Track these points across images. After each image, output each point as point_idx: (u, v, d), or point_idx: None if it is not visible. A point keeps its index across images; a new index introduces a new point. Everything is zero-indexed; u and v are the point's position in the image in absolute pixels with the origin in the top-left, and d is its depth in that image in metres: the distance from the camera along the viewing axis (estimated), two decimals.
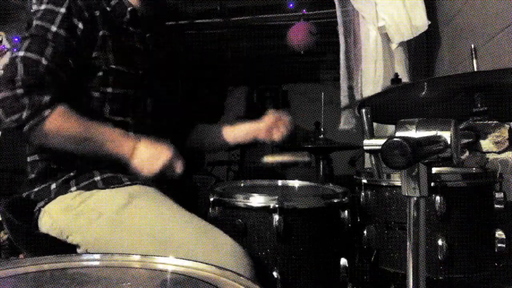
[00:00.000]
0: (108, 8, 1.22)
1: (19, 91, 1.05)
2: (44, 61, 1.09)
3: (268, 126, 1.45)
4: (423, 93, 1.07)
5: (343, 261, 1.16)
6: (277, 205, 1.11)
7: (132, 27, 1.27)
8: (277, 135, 1.45)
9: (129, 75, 1.23)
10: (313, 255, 1.15)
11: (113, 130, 1.15)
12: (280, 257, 1.13)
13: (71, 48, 1.14)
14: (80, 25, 1.15)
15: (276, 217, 1.11)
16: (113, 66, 1.19)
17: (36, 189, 1.20)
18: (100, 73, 1.18)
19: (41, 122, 1.06)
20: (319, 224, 1.18)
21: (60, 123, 1.09)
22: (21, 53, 1.10)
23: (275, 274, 1.10)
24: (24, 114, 1.04)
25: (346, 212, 1.20)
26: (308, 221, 1.16)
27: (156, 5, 1.38)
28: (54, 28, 1.12)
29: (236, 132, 1.51)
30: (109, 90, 1.19)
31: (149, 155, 1.14)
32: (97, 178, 1.17)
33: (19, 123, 1.04)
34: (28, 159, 1.24)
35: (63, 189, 1.16)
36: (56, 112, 1.08)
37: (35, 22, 1.13)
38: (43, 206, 1.17)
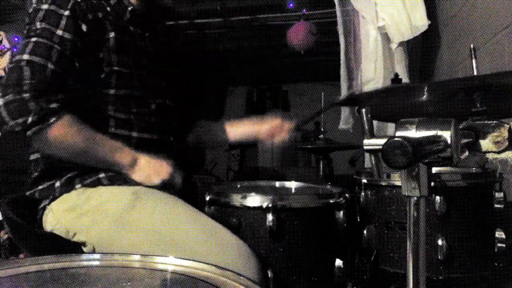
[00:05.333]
0: (108, 8, 1.22)
1: (26, 95, 1.04)
2: (50, 65, 1.09)
3: (271, 128, 1.46)
4: (424, 97, 1.07)
5: (338, 262, 1.16)
6: (270, 205, 1.11)
7: (132, 26, 1.27)
8: (279, 138, 1.47)
9: (131, 75, 1.23)
10: (307, 255, 1.15)
11: (115, 144, 1.16)
12: (274, 256, 1.13)
13: (77, 50, 1.13)
14: (84, 27, 1.15)
15: (269, 216, 1.11)
16: (116, 68, 1.19)
17: (40, 187, 1.20)
18: (103, 75, 1.18)
19: (46, 129, 1.06)
20: (313, 224, 1.17)
21: (64, 132, 1.09)
22: (26, 57, 1.08)
23: (268, 273, 1.10)
24: (30, 119, 1.04)
25: (341, 212, 1.19)
26: (302, 221, 1.15)
27: (155, 5, 1.37)
28: (59, 32, 1.11)
29: (237, 130, 1.52)
30: (112, 92, 1.19)
31: (150, 171, 1.17)
32: (102, 175, 1.17)
33: (24, 127, 1.04)
34: (31, 157, 1.23)
35: (68, 187, 1.16)
36: (62, 121, 1.07)
37: (38, 24, 1.11)
38: (48, 205, 1.16)
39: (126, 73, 1.21)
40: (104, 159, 1.15)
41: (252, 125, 1.51)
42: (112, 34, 1.19)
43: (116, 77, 1.20)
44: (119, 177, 1.17)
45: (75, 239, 1.12)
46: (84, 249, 1.12)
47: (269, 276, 1.10)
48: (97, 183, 1.16)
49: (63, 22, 1.12)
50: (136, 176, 1.17)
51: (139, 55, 1.27)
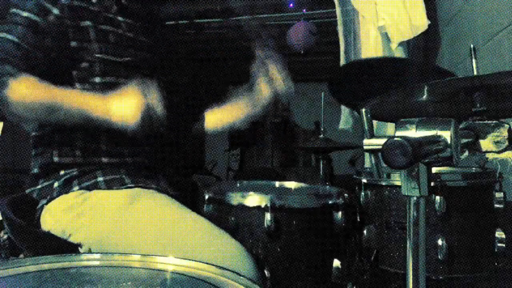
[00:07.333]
0: (93, 0, 1.23)
1: None
2: (12, 38, 1.08)
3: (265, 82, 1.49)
4: (424, 97, 1.07)
5: (336, 263, 1.16)
6: (269, 204, 1.11)
7: (121, 16, 1.28)
8: (278, 83, 1.52)
9: (117, 63, 1.22)
10: (304, 254, 1.15)
11: (82, 94, 1.13)
12: (271, 256, 1.12)
13: (45, 30, 1.13)
14: (56, 11, 1.15)
15: (267, 215, 1.11)
16: (99, 55, 1.19)
17: (39, 186, 1.20)
18: (86, 64, 1.18)
19: (3, 89, 1.02)
20: (311, 224, 1.17)
21: (24, 91, 1.05)
22: None
23: (266, 272, 1.10)
24: None
25: (340, 213, 1.19)
26: (300, 221, 1.15)
27: None
28: (24, 13, 1.12)
29: (214, 117, 1.53)
30: (97, 80, 1.19)
31: (123, 103, 1.09)
32: (100, 179, 1.17)
33: None
34: (33, 152, 1.24)
35: (66, 189, 1.16)
36: (20, 80, 1.05)
37: (10, 11, 1.13)
38: (45, 204, 1.17)
39: (111, 61, 1.21)
40: (76, 114, 1.09)
41: (230, 112, 1.52)
42: (87, 23, 1.19)
43: (100, 65, 1.19)
44: (117, 181, 1.17)
45: (72, 239, 1.12)
46: (80, 250, 1.11)
47: (267, 275, 1.10)
48: (94, 187, 1.16)
49: (29, 4, 1.13)
50: (115, 117, 1.09)
51: (127, 44, 1.27)
